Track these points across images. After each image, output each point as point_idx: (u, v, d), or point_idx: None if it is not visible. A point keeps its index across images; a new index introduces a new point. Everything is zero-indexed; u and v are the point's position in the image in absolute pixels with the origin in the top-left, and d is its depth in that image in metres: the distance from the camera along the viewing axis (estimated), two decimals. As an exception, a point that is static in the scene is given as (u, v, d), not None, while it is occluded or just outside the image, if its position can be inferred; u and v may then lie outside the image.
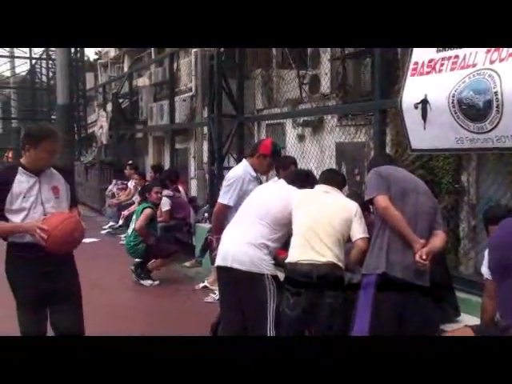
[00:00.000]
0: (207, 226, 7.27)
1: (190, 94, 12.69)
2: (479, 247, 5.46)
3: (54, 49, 14.42)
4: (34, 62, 18.67)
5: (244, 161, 4.08)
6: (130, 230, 6.51)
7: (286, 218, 3.40)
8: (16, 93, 21.30)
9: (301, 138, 10.99)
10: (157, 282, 6.35)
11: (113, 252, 8.20)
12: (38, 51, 18.51)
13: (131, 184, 9.83)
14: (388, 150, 8.75)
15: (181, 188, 8.06)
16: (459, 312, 3.57)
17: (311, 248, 3.18)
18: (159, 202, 6.82)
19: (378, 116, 4.65)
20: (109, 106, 13.94)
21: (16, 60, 20.51)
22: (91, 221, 11.55)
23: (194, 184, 11.31)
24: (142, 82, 14.94)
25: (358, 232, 3.22)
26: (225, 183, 3.95)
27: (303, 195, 3.41)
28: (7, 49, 20.30)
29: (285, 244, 3.51)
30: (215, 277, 6.09)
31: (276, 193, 3.53)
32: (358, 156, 8.91)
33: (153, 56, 17.17)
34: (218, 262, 3.47)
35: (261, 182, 4.10)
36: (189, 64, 12.95)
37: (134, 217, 6.50)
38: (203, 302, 5.62)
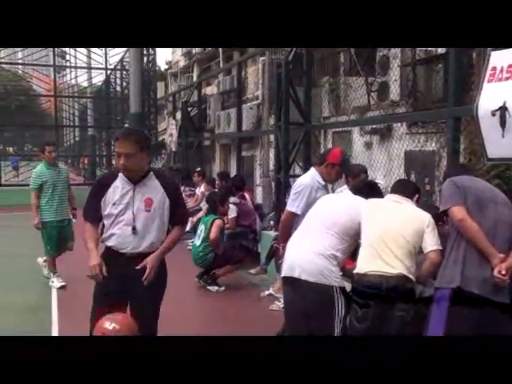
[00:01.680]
0: (273, 233, 7.26)
1: (257, 102, 12.78)
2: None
3: (127, 59, 14.94)
4: (109, 72, 19.41)
5: (312, 169, 4.04)
6: (197, 241, 6.53)
7: (355, 228, 3.33)
8: (92, 102, 22.26)
9: (368, 145, 10.82)
10: (223, 288, 6.39)
11: (180, 257, 8.32)
12: (113, 62, 19.25)
13: (199, 191, 9.98)
14: (461, 158, 8.46)
15: (247, 195, 8.09)
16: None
17: (381, 259, 3.09)
18: (227, 213, 6.85)
19: (452, 123, 4.46)
20: (178, 115, 14.27)
21: (92, 71, 21.44)
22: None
23: (259, 191, 11.35)
24: (210, 90, 15.22)
25: (431, 244, 3.09)
26: (293, 191, 3.92)
27: (373, 205, 3.33)
28: (84, 60, 21.26)
29: (352, 254, 3.44)
30: (280, 285, 6.07)
31: (344, 202, 3.46)
32: (428, 165, 8.66)
33: (221, 65, 17.46)
34: (285, 272, 3.43)
35: (328, 191, 4.04)
36: (256, 72, 13.07)
37: (202, 227, 6.51)
38: (268, 309, 5.60)
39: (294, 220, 3.90)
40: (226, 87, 14.78)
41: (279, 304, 5.58)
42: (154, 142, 16.59)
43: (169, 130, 14.22)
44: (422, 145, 9.59)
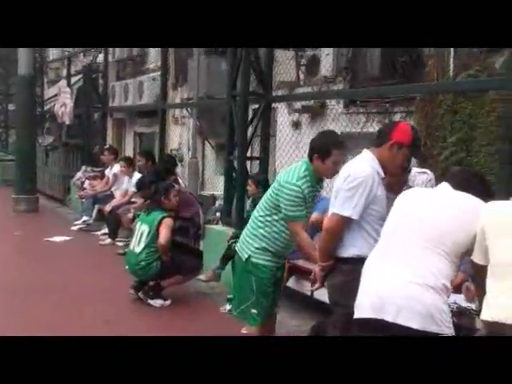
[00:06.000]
0: (221, 228, 5.94)
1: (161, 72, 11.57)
2: None
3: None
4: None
5: (367, 153, 2.76)
6: (137, 247, 4.94)
7: (467, 245, 2.22)
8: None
9: (296, 125, 9.88)
10: (168, 302, 4.94)
11: (96, 255, 6.71)
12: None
13: (110, 172, 8.28)
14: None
15: (180, 180, 6.62)
16: None
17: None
18: (176, 208, 5.28)
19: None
20: (73, 81, 12.22)
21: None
22: (54, 213, 9.93)
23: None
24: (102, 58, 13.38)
25: None
26: (346, 185, 2.61)
27: (505, 211, 2.16)
28: None
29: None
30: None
31: (453, 206, 2.27)
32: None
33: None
34: (366, 312, 2.21)
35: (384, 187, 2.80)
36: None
37: (144, 228, 4.93)
38: (240, 332, 4.26)
39: (345, 228, 2.63)
40: (123, 55, 13.32)
41: (254, 325, 4.30)
42: (38, 112, 14.25)
43: (61, 100, 12.01)
44: (361, 126, 8.79)
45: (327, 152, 3.06)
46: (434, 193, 2.39)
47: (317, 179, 3.16)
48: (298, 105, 9.29)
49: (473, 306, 2.63)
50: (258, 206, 3.34)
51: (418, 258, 2.19)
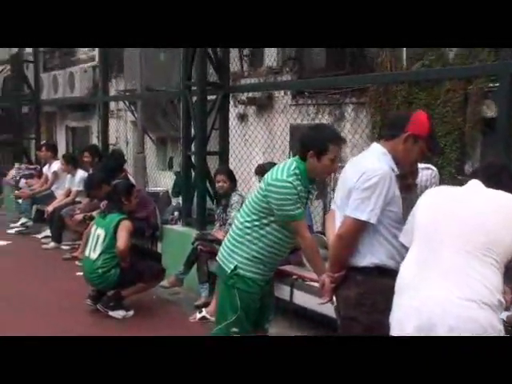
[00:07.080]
0: (182, 228, 5.55)
1: (93, 63, 11.25)
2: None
3: None
4: None
5: (378, 147, 2.49)
6: (93, 253, 4.49)
7: None
8: None
9: (242, 118, 9.65)
10: (131, 313, 4.54)
11: (41, 261, 6.12)
12: None
13: (48, 170, 7.65)
14: (368, 130, 7.68)
15: (130, 177, 6.17)
16: None
17: None
18: (135, 209, 4.83)
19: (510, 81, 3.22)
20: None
21: None
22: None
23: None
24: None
25: None
26: (361, 185, 2.33)
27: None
28: None
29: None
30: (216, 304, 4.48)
31: (494, 208, 2.05)
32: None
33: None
34: (409, 331, 1.95)
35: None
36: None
37: (100, 232, 4.48)
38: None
39: (361, 232, 2.36)
40: (50, 45, 12.56)
41: (231, 335, 3.99)
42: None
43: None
44: (311, 118, 8.67)
45: (324, 148, 2.76)
46: (467, 192, 2.16)
47: (309, 179, 2.85)
48: (243, 96, 9.00)
49: (503, 316, 2.42)
50: (240, 212, 2.99)
51: (466, 269, 1.95)
